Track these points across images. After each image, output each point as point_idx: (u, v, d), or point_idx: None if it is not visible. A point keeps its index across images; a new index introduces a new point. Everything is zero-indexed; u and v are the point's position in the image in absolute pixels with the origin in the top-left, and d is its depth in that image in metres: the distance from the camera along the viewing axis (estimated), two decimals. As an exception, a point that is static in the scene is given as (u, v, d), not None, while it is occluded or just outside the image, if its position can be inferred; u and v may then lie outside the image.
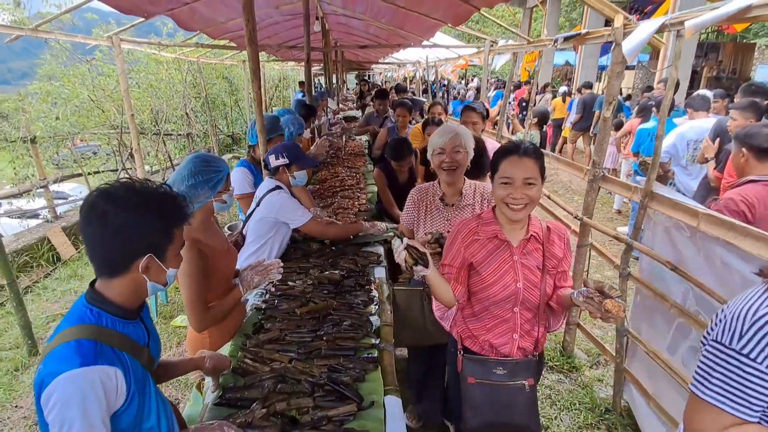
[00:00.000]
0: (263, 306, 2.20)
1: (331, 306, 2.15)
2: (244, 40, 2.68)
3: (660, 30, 2.05)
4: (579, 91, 10.12)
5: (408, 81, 14.65)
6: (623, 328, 2.54)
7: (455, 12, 3.99)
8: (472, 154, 2.19)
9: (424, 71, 9.06)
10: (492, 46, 4.50)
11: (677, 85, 2.46)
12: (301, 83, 14.10)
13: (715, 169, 3.31)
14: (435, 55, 8.27)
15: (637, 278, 2.42)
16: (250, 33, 2.61)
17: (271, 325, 2.01)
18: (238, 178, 3.14)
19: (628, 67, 15.88)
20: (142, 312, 1.29)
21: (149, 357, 1.24)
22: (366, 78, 19.60)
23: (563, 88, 11.98)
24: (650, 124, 4.42)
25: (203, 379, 1.84)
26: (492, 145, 3.17)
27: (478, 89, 14.26)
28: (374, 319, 2.09)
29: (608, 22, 2.46)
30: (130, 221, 1.10)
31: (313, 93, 6.23)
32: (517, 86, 11.80)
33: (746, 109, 3.22)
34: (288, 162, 2.63)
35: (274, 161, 2.63)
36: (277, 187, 2.62)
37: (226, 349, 1.87)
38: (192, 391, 2.00)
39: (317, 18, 6.34)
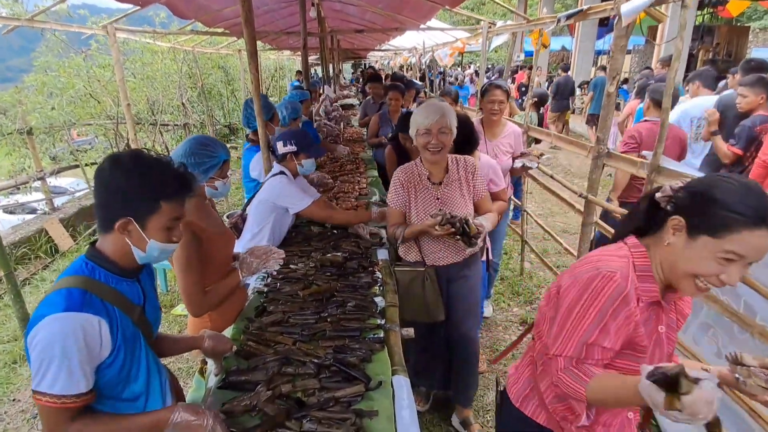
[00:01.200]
0: (265, 289, 2.17)
1: (335, 288, 2.12)
2: (238, 28, 2.63)
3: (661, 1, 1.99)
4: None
5: (405, 69, 14.51)
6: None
7: (454, -9, 3.90)
8: (455, 132, 2.14)
9: (421, 56, 8.96)
10: (490, 27, 4.43)
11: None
12: (298, 72, 13.96)
13: (728, 143, 3.24)
14: (432, 39, 8.16)
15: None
16: (246, 14, 2.54)
17: (274, 308, 1.98)
18: (260, 163, 3.09)
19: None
20: (141, 275, 1.30)
21: (143, 318, 1.25)
22: (367, 66, 19.42)
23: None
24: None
25: (206, 364, 1.82)
26: (513, 128, 3.16)
27: (476, 72, 14.13)
28: (378, 300, 2.06)
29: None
30: (118, 181, 1.14)
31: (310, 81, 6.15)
32: (515, 71, 11.70)
33: (755, 84, 3.17)
34: (296, 150, 2.58)
35: (281, 148, 2.58)
36: (281, 173, 2.59)
37: (228, 333, 1.84)
38: (195, 377, 1.98)
39: (313, 4, 6.23)
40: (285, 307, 1.98)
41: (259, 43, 11.37)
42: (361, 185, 3.74)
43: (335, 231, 2.83)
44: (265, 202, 2.52)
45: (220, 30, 6.56)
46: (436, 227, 2.00)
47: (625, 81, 11.37)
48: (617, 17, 2.29)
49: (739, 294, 1.82)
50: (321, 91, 7.89)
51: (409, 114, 3.15)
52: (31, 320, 1.06)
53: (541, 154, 3.15)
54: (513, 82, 11.24)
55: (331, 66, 12.98)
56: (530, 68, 12.80)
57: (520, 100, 10.85)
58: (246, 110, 3.22)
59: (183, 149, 1.80)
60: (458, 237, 2.02)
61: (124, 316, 1.18)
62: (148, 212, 1.17)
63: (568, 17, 2.93)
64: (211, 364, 1.69)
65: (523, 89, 11.19)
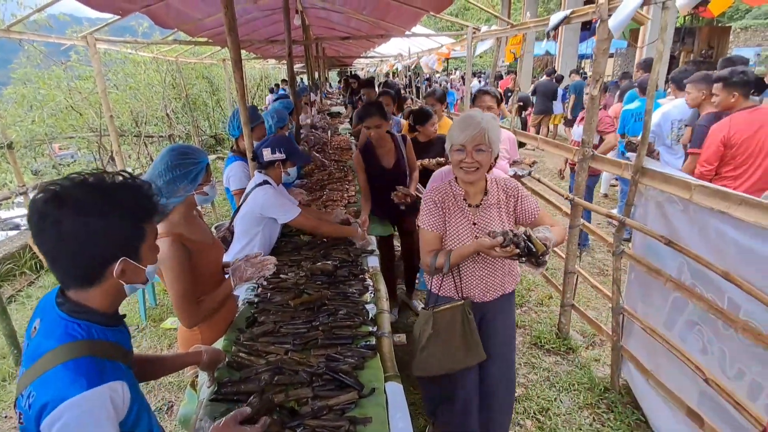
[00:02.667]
0: (256, 300, 2.15)
1: (326, 296, 2.11)
2: (222, 38, 2.62)
3: (645, 3, 2.04)
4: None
5: (392, 76, 14.59)
6: (618, 306, 2.54)
7: (437, -1, 3.95)
8: (498, 150, 1.90)
9: (407, 63, 9.02)
10: (474, 33, 4.47)
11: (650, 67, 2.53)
12: (283, 81, 13.92)
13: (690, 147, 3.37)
14: (417, 46, 8.22)
15: (631, 255, 2.42)
16: (230, 22, 2.54)
17: (265, 318, 1.96)
18: (237, 172, 3.07)
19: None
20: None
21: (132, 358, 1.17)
22: (353, 74, 19.46)
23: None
24: (634, 105, 4.45)
25: (197, 377, 1.79)
26: (508, 134, 3.18)
27: (462, 79, 14.28)
28: (370, 307, 2.05)
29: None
30: (92, 226, 0.97)
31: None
32: (499, 77, 11.85)
33: (700, 81, 3.28)
34: (285, 157, 2.54)
35: (269, 155, 2.52)
36: (265, 182, 2.53)
37: (219, 345, 1.82)
38: (186, 390, 1.95)
39: (297, 12, 6.25)
40: (276, 317, 1.97)
41: (243, 52, 11.36)
42: (350, 193, 3.73)
43: (325, 240, 2.82)
44: (251, 213, 2.48)
45: (203, 39, 6.53)
46: (496, 248, 1.67)
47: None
48: (599, 21, 2.34)
49: (723, 291, 1.85)
50: (309, 98, 7.88)
51: (372, 102, 3.36)
52: (43, 404, 0.91)
53: (534, 162, 3.19)
54: (497, 87, 11.37)
55: (316, 74, 13.02)
56: (515, 73, 12.97)
57: (506, 106, 10.97)
58: (233, 120, 3.21)
59: (164, 164, 1.74)
60: (524, 259, 1.69)
61: (127, 367, 1.08)
62: (140, 241, 1.07)
63: (555, 27, 2.97)
64: (202, 377, 1.66)
65: (509, 94, 11.32)
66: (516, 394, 2.68)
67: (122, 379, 1.02)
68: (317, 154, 4.96)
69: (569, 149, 2.87)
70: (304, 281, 2.28)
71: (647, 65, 5.01)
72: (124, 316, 1.19)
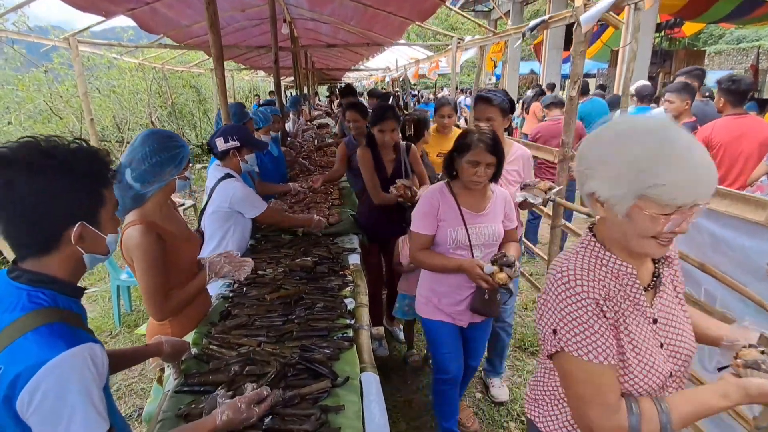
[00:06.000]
0: (230, 295, 2.09)
1: (303, 291, 2.06)
2: (208, 45, 2.58)
3: (617, 5, 2.09)
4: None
5: (381, 89, 14.75)
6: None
7: (421, 8, 4.01)
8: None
9: (394, 75, 9.12)
10: (459, 43, 4.56)
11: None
12: (271, 92, 13.93)
13: None
14: (404, 59, 8.34)
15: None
16: (212, 17, 2.53)
17: (239, 312, 1.91)
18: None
19: (588, 75, 16.58)
20: None
21: None
22: (338, 86, 19.60)
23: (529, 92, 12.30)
24: (631, 111, 4.61)
25: (163, 372, 1.72)
26: (521, 151, 2.52)
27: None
28: (348, 301, 2.01)
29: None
30: (47, 186, 0.92)
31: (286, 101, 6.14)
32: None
33: (681, 90, 3.36)
34: (239, 145, 2.45)
35: (222, 144, 2.42)
36: (228, 175, 2.44)
37: (188, 338, 1.74)
38: (153, 387, 1.87)
39: (285, 21, 6.31)
40: (251, 311, 1.91)
41: (232, 63, 11.39)
42: (334, 195, 3.71)
43: (306, 238, 2.78)
44: (220, 209, 2.40)
45: (188, 45, 6.53)
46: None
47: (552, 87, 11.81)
48: (576, 24, 2.39)
49: (700, 282, 1.86)
50: (303, 107, 7.81)
51: (386, 105, 3.01)
52: (14, 377, 0.85)
53: (550, 188, 2.50)
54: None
55: (305, 87, 13.09)
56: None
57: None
58: (219, 119, 3.16)
59: (149, 146, 1.67)
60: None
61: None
62: (98, 206, 1.02)
63: (532, 29, 3.03)
64: (168, 371, 1.60)
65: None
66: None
67: (98, 342, 0.97)
68: (303, 161, 4.96)
69: (550, 151, 2.90)
70: (282, 277, 2.24)
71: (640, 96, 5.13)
72: (85, 289, 1.13)
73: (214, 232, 2.43)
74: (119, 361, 1.40)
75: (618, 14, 2.29)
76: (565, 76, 17.43)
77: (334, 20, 6.32)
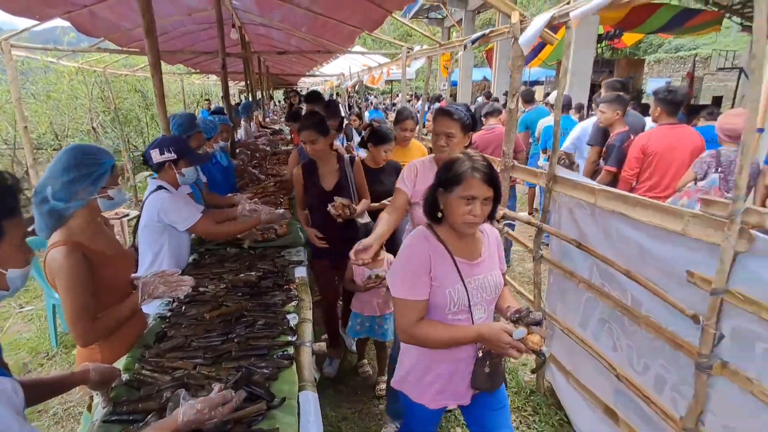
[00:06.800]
0: (168, 314, 2.02)
1: (245, 307, 2.02)
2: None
3: (551, 22, 2.19)
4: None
5: (335, 95, 14.72)
6: (540, 309, 2.63)
7: (370, 17, 4.05)
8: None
9: (350, 83, 9.14)
10: (408, 52, 4.63)
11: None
12: (206, 100, 13.51)
13: (605, 164, 3.63)
14: (357, 65, 8.37)
15: (548, 260, 2.53)
16: (148, 24, 2.44)
17: (176, 332, 1.84)
18: None
19: (536, 83, 17.22)
20: None
21: None
22: (295, 90, 19.23)
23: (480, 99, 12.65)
24: (550, 119, 4.82)
25: (93, 400, 1.63)
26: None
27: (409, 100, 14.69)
28: (292, 316, 1.99)
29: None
30: None
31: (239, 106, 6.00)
32: (437, 98, 12.30)
33: (613, 101, 3.57)
34: (175, 157, 2.34)
35: (158, 156, 2.31)
36: (159, 188, 2.33)
37: (119, 364, 1.66)
38: (83, 415, 1.77)
39: (233, 26, 6.17)
40: (188, 331, 1.85)
41: (182, 66, 11.01)
42: (284, 207, 3.64)
43: (253, 251, 2.73)
44: (151, 223, 2.29)
45: (130, 49, 6.27)
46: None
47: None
48: (513, 39, 2.48)
49: (627, 288, 1.97)
50: (256, 112, 7.62)
51: (312, 113, 2.82)
52: None
53: (503, 216, 2.66)
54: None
55: (259, 92, 12.84)
56: (454, 97, 13.55)
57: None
58: (176, 128, 2.99)
59: (62, 163, 1.60)
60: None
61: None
62: None
63: (473, 42, 3.13)
64: (97, 399, 1.52)
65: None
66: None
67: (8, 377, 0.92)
68: (253, 170, 4.85)
69: (493, 160, 2.99)
70: (224, 294, 2.18)
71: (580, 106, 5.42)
72: (22, 307, 1.06)
73: (147, 247, 2.33)
74: (40, 392, 1.32)
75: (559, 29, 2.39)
76: (517, 83, 18.18)
77: (286, 27, 6.25)
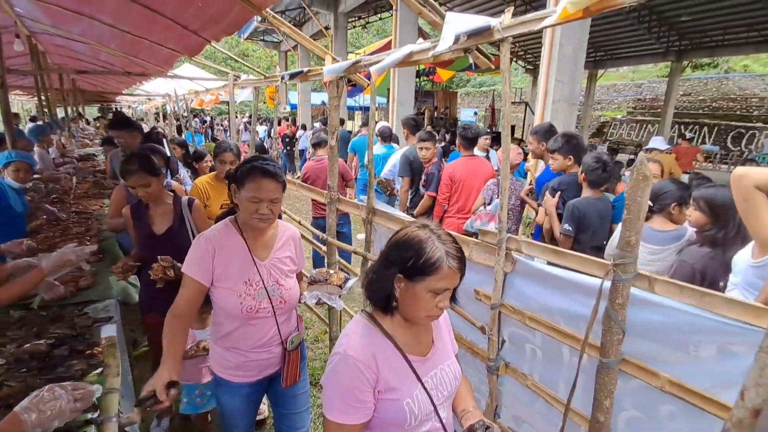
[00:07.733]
0: None
1: (33, 386, 1.68)
2: None
3: (354, 68, 2.41)
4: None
5: (161, 116, 13.44)
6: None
7: (188, 43, 3.86)
8: None
9: (174, 104, 8.46)
10: (235, 80, 4.54)
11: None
12: (33, 118, 11.13)
13: (425, 190, 4.11)
14: (184, 87, 7.84)
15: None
16: None
17: None
18: None
19: (366, 109, 18.46)
20: None
21: None
22: (114, 110, 16.82)
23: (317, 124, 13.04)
24: (379, 150, 5.26)
25: None
26: (290, 231, 1.95)
27: (249, 122, 14.20)
28: (96, 387, 1.73)
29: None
30: None
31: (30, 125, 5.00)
32: (278, 122, 12.31)
33: (427, 140, 4.10)
34: None
35: None
36: None
37: None
38: None
39: (17, 35, 5.19)
40: (-59, 432, 1.46)
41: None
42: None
43: (43, 313, 2.30)
44: None
45: None
46: None
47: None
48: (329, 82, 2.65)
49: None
50: (54, 135, 6.45)
51: (135, 155, 2.48)
52: None
53: (345, 279, 2.04)
54: (277, 134, 11.73)
55: (63, 110, 10.98)
56: (293, 121, 13.67)
57: (284, 151, 11.39)
58: None
59: None
60: None
61: None
62: None
63: (291, 77, 3.24)
64: None
65: (287, 140, 11.82)
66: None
67: None
68: (50, 207, 4.10)
69: (320, 192, 3.11)
70: (5, 371, 1.79)
71: (383, 136, 5.94)
72: None
73: None
74: None
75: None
76: (351, 108, 19.28)
77: (90, 42, 5.51)
